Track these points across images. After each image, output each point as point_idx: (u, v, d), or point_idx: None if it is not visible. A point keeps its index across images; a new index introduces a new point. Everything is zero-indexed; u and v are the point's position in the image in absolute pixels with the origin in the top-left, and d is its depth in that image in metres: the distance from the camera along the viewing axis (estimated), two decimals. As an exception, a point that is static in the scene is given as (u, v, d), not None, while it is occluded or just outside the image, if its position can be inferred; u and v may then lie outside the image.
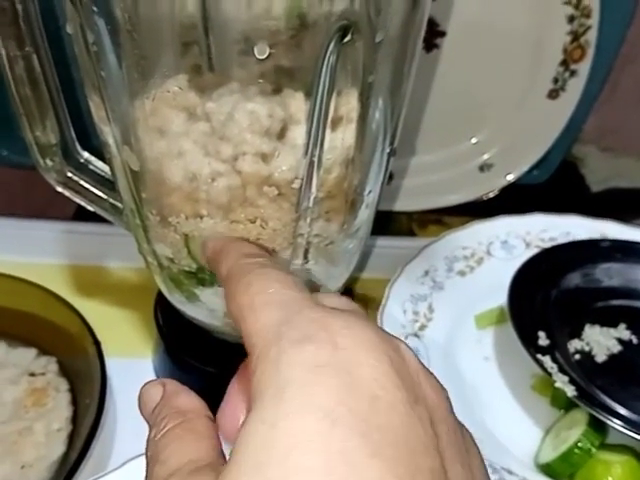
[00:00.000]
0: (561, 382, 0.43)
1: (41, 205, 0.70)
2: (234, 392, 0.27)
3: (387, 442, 0.19)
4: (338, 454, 0.18)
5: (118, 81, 0.32)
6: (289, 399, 0.20)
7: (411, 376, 0.21)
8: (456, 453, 0.21)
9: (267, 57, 0.30)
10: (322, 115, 0.32)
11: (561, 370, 0.44)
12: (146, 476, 0.23)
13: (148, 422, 0.26)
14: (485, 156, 0.62)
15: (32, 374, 0.47)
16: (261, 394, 0.20)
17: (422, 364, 0.23)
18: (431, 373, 0.23)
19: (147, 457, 0.24)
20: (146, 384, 0.28)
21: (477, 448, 0.24)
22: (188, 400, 0.26)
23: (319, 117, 0.32)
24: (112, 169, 0.38)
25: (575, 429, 0.42)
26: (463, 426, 0.24)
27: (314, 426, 0.19)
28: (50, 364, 0.47)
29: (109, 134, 0.35)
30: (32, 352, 0.48)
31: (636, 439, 0.40)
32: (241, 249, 0.30)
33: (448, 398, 0.23)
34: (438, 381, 0.23)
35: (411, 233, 0.67)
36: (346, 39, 0.29)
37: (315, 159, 0.33)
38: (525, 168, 0.62)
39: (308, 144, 0.33)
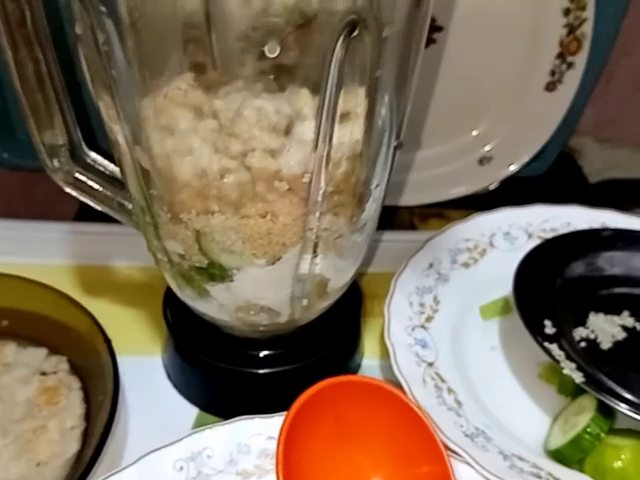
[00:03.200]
0: (569, 369, 0.43)
1: (41, 207, 0.71)
2: None
3: None
4: None
5: (128, 80, 0.32)
6: None
7: None
8: None
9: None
10: (331, 110, 0.32)
11: (568, 357, 0.44)
12: None
13: None
14: (485, 148, 0.63)
15: (43, 373, 0.47)
16: None
17: None
18: None
19: None
20: None
21: None
22: None
23: (328, 112, 0.32)
24: (122, 168, 0.39)
25: (583, 415, 0.42)
26: None
27: None
28: (61, 363, 0.48)
29: (119, 133, 0.35)
30: (42, 352, 0.48)
31: (644, 423, 0.41)
32: None
33: None
34: None
35: (412, 227, 0.68)
36: (354, 34, 0.29)
37: (324, 154, 0.34)
38: (524, 160, 0.63)
39: (317, 139, 0.33)
